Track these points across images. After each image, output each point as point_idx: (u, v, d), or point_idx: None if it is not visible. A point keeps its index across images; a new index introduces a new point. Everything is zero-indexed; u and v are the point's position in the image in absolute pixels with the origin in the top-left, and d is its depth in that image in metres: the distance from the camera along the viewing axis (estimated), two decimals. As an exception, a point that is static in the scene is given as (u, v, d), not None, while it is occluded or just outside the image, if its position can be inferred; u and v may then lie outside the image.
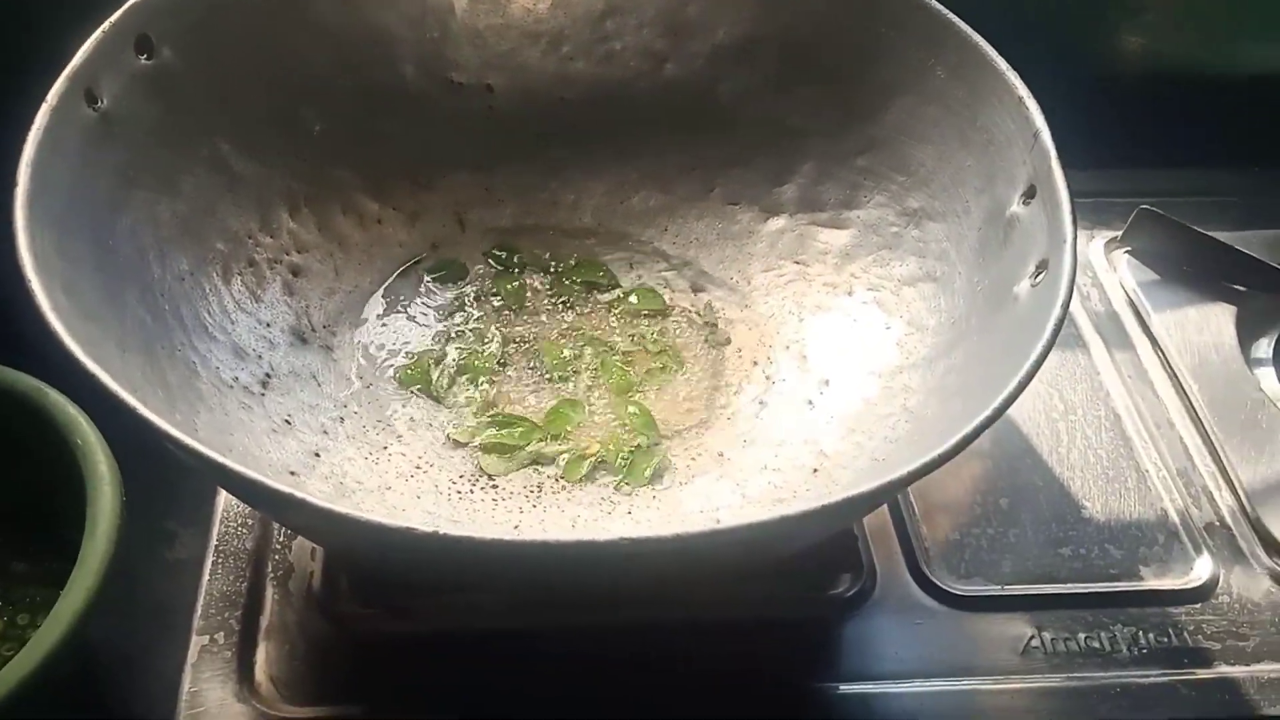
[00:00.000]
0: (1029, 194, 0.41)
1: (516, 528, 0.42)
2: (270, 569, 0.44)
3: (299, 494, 0.28)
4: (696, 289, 0.52)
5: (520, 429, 0.46)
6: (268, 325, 0.46)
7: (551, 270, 0.53)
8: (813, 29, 0.50)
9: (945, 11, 0.46)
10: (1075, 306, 0.57)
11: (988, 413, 0.32)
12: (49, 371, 0.41)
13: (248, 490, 0.31)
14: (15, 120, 0.37)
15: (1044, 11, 0.63)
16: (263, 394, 0.43)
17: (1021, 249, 0.41)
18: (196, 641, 0.41)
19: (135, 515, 0.39)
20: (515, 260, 0.53)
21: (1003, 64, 0.44)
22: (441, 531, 0.27)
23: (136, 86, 0.42)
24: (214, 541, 0.44)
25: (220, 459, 0.29)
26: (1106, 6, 0.64)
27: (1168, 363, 0.54)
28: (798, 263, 0.52)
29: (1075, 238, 0.37)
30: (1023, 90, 0.42)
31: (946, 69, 0.46)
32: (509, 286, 0.52)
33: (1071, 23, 0.65)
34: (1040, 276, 0.38)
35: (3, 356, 0.44)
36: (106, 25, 0.41)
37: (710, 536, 0.29)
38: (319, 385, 0.46)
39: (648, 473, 0.44)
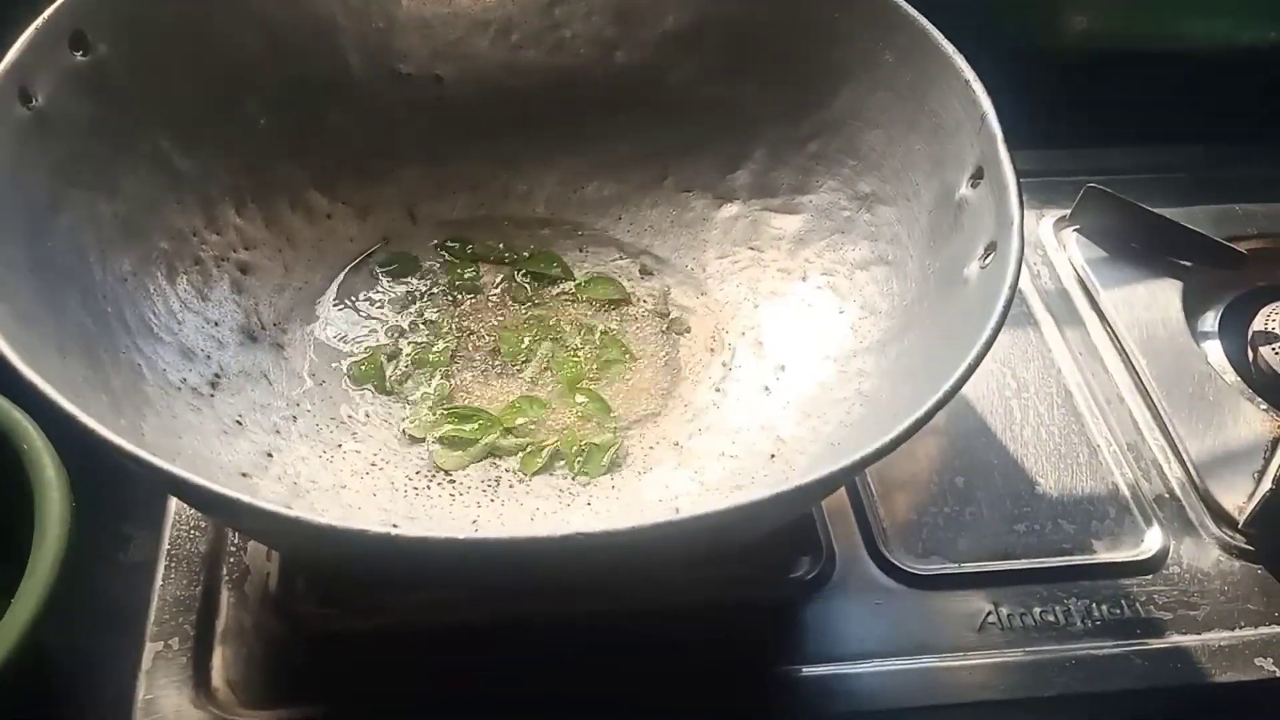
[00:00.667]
0: (977, 176, 0.42)
1: (474, 523, 0.41)
2: (225, 571, 0.43)
3: (247, 499, 0.28)
4: (652, 277, 0.52)
5: (477, 423, 0.45)
6: (216, 324, 0.45)
7: (506, 261, 0.52)
8: (762, 14, 0.50)
9: (892, -5, 0.46)
10: (1025, 284, 0.57)
11: (938, 396, 0.32)
12: None
13: (196, 496, 0.31)
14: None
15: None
16: (212, 395, 0.43)
17: (970, 231, 0.41)
18: (151, 648, 0.41)
19: (87, 518, 0.39)
20: (469, 252, 0.52)
21: (949, 48, 0.44)
22: (395, 533, 0.27)
23: (72, 84, 0.41)
24: (166, 545, 0.44)
25: (164, 465, 0.29)
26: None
27: (1116, 339, 0.55)
28: (752, 248, 0.52)
29: (1022, 219, 0.37)
30: (969, 74, 0.43)
31: (895, 53, 0.46)
32: (463, 279, 0.51)
33: (1015, 3, 0.65)
34: (989, 259, 0.39)
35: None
36: (40, 21, 0.40)
37: (666, 528, 0.29)
38: (270, 384, 0.45)
39: (604, 462, 0.44)
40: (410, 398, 0.46)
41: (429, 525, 0.40)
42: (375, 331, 0.49)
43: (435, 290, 0.51)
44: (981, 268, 0.39)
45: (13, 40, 0.39)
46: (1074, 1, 0.65)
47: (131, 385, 0.39)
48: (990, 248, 0.39)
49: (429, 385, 0.47)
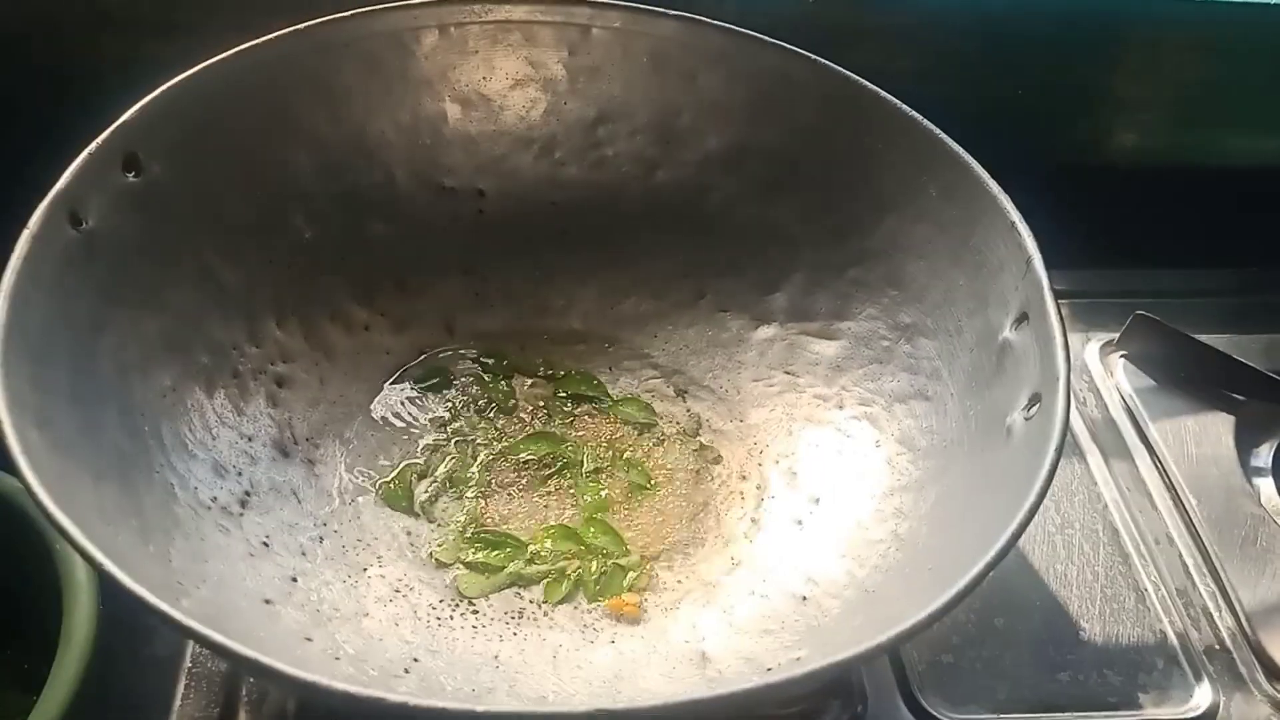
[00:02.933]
0: (1021, 320, 0.41)
1: (496, 658, 0.40)
2: (244, 693, 0.43)
3: (280, 666, 0.27)
4: (686, 398, 0.52)
5: (504, 550, 0.45)
6: (249, 439, 0.45)
7: (542, 376, 0.52)
8: (803, 141, 0.50)
9: (935, 130, 0.46)
10: (1071, 411, 0.56)
11: (976, 571, 0.31)
12: None
13: (247, 667, 0.30)
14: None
15: (1037, 111, 0.64)
16: (241, 514, 0.42)
17: (1014, 377, 0.40)
18: (167, 771, 0.40)
19: (112, 609, 0.39)
20: (504, 367, 0.52)
21: (995, 188, 0.44)
22: (411, 703, 0.26)
23: (122, 203, 0.42)
24: (187, 664, 0.43)
25: (217, 638, 0.29)
26: (1097, 105, 0.64)
27: (1166, 474, 0.53)
28: (788, 373, 0.51)
29: (1069, 375, 0.37)
30: (1015, 215, 0.42)
31: (939, 188, 0.46)
32: (497, 396, 0.51)
33: (1063, 121, 0.65)
34: (1033, 410, 0.38)
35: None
36: (94, 146, 0.41)
37: (693, 706, 0.28)
38: (299, 502, 0.45)
39: (625, 584, 0.43)
40: (439, 520, 0.46)
41: (450, 661, 0.39)
42: (407, 448, 0.49)
43: (469, 407, 0.51)
44: (1025, 419, 0.38)
45: (67, 163, 0.40)
46: (1122, 119, 0.65)
47: (163, 506, 0.39)
48: (1034, 399, 0.38)
49: (459, 508, 0.46)
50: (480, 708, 0.26)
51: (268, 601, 0.39)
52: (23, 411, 0.33)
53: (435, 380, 0.51)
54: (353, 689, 0.27)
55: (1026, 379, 0.39)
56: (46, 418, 0.35)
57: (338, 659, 0.38)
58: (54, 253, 0.38)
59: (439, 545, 0.45)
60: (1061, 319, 0.39)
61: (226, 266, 0.47)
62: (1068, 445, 0.53)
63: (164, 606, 0.29)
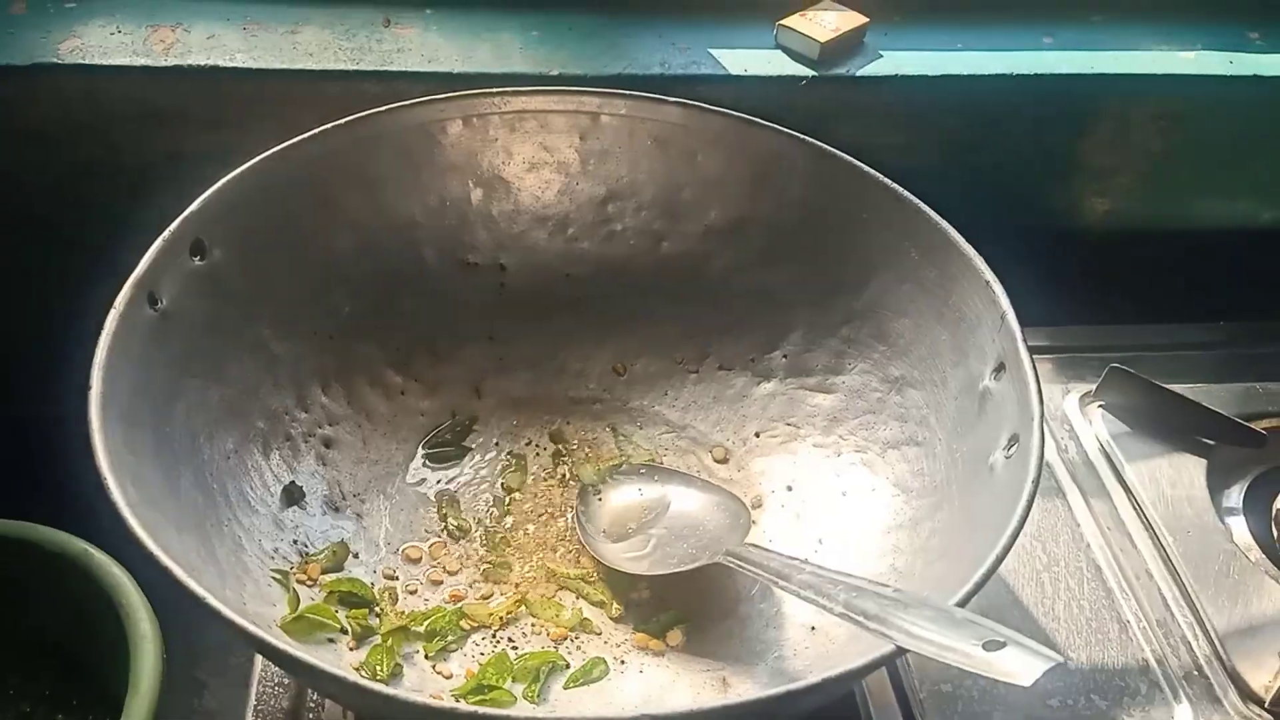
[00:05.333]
0: (999, 369, 0.45)
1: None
2: (305, 732, 0.46)
3: (373, 685, 0.31)
4: (696, 451, 0.56)
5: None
6: (303, 497, 0.50)
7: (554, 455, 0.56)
8: (796, 212, 0.55)
9: (916, 200, 0.51)
10: (1053, 457, 0.59)
11: (966, 588, 0.35)
12: (87, 525, 0.43)
13: (321, 683, 0.33)
14: (77, 326, 0.41)
15: (1016, 179, 0.68)
16: (304, 562, 0.46)
17: (995, 420, 0.44)
18: (235, 808, 0.43)
19: (167, 665, 0.42)
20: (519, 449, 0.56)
21: (970, 250, 0.48)
22: (482, 712, 0.30)
23: (191, 286, 0.46)
24: (253, 702, 0.46)
25: (303, 656, 0.32)
26: (1072, 173, 0.69)
27: (1143, 514, 0.57)
28: (789, 424, 0.56)
29: (1042, 415, 0.41)
30: (989, 275, 0.47)
31: (920, 251, 0.50)
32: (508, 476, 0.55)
33: (1042, 188, 0.70)
34: (1012, 449, 0.42)
35: (45, 515, 0.47)
36: (167, 233, 0.45)
37: (718, 713, 0.31)
38: (351, 553, 0.49)
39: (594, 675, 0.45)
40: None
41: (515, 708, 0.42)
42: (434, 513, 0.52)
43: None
44: (1006, 458, 0.42)
45: (142, 251, 0.44)
46: (1096, 185, 0.69)
47: (233, 556, 0.43)
48: (1013, 439, 0.42)
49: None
50: (542, 714, 0.30)
51: (330, 640, 0.43)
52: (121, 471, 0.37)
53: (450, 456, 0.55)
54: (433, 702, 0.30)
55: (1006, 421, 0.43)
56: (138, 476, 0.39)
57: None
58: (136, 328, 0.43)
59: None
60: (1034, 366, 0.43)
61: (277, 340, 0.51)
62: (1052, 489, 0.58)
63: (260, 633, 0.33)
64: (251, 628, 0.33)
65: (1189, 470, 0.58)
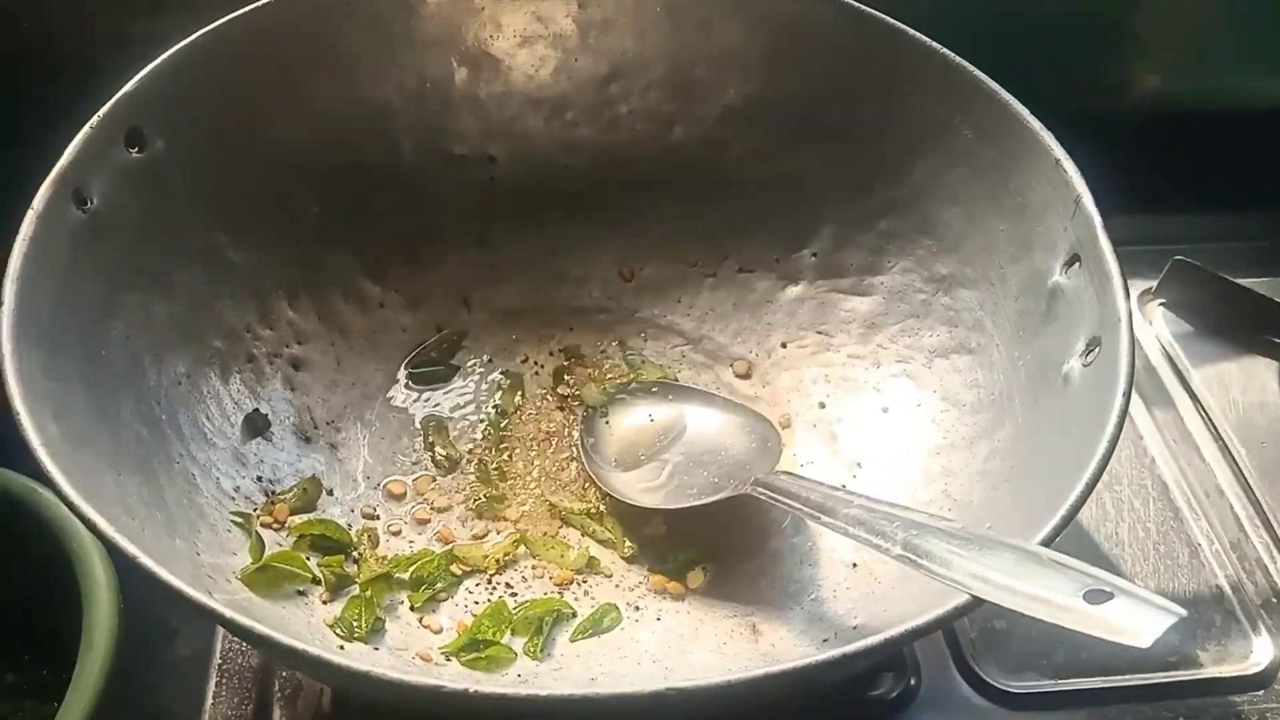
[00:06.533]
0: (1072, 262, 0.39)
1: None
2: (277, 688, 0.41)
3: (331, 657, 0.26)
4: (715, 365, 0.50)
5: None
6: (269, 425, 0.44)
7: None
8: (826, 87, 0.48)
9: (969, 67, 0.44)
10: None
11: (1054, 522, 0.30)
12: (33, 462, 0.39)
13: (281, 655, 0.29)
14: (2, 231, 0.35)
15: (1064, 53, 0.61)
16: (267, 503, 0.41)
17: (1068, 322, 0.39)
18: (203, 771, 0.39)
19: (133, 612, 0.37)
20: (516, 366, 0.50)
21: (1035, 123, 0.42)
22: (473, 690, 0.25)
23: (127, 182, 0.40)
24: (217, 660, 0.42)
25: (258, 627, 0.27)
26: (1127, 45, 0.63)
27: (1212, 424, 0.52)
28: (820, 332, 0.50)
29: (1130, 314, 0.35)
30: (1059, 152, 0.41)
31: (973, 129, 0.44)
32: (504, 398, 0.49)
33: (1092, 63, 0.63)
34: (1092, 355, 0.36)
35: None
36: (95, 120, 0.39)
37: (758, 682, 0.26)
38: (324, 489, 0.43)
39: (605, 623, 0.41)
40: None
41: (502, 684, 0.37)
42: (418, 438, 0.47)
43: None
44: (1084, 365, 0.37)
45: (67, 141, 0.38)
46: (1147, 57, 0.63)
47: (186, 497, 0.38)
48: (1093, 343, 0.36)
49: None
50: (544, 692, 0.25)
51: (300, 593, 0.38)
52: (39, 401, 0.32)
53: (437, 377, 0.50)
54: (409, 678, 0.25)
55: (1083, 322, 0.37)
56: (63, 408, 0.33)
57: (377, 650, 0.37)
58: (60, 233, 0.37)
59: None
60: (1117, 257, 0.37)
61: (234, 246, 0.45)
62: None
63: (208, 601, 0.27)
64: (185, 588, 0.27)
65: (1260, 374, 0.54)
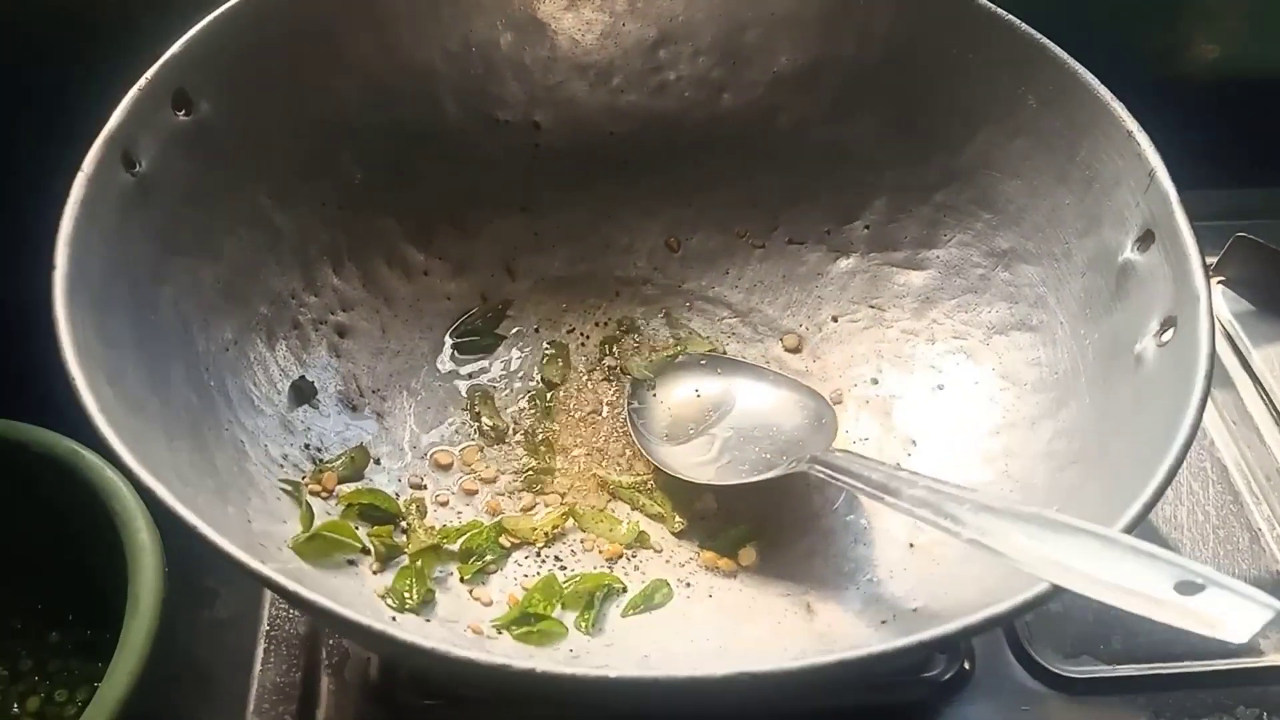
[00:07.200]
0: (1144, 239, 0.38)
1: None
2: (324, 656, 0.41)
3: (393, 631, 0.25)
4: (765, 339, 0.49)
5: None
6: (316, 393, 0.43)
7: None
8: (882, 52, 0.46)
9: (1035, 34, 0.42)
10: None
11: (1135, 509, 0.28)
12: (76, 422, 0.38)
13: (335, 624, 0.28)
14: (51, 193, 0.35)
15: (1124, 19, 0.59)
16: (315, 470, 0.40)
17: (1140, 301, 0.37)
18: (251, 739, 0.39)
19: (173, 573, 0.37)
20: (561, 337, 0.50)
21: (1106, 94, 0.40)
22: (540, 669, 0.24)
23: (175, 145, 0.39)
24: (265, 627, 0.42)
25: (318, 599, 0.27)
26: (1186, 14, 0.60)
27: (1273, 405, 0.50)
28: (873, 306, 0.49)
29: (1210, 293, 0.34)
30: (1132, 124, 0.39)
31: (1039, 97, 0.42)
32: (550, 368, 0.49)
33: (1153, 29, 0.61)
34: (1167, 335, 0.35)
35: (38, 417, 0.42)
36: (142, 82, 0.38)
37: (823, 670, 0.25)
38: (370, 458, 0.43)
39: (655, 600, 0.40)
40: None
41: (566, 664, 0.36)
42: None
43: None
44: (1159, 345, 0.35)
45: (115, 104, 0.37)
46: (1211, 24, 0.61)
47: (235, 464, 0.37)
48: (1168, 323, 0.35)
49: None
50: (612, 674, 0.24)
51: (351, 562, 0.37)
52: (92, 364, 0.31)
53: (482, 346, 0.49)
54: (478, 656, 0.24)
55: (1156, 301, 0.36)
56: (115, 372, 0.33)
57: (428, 621, 0.36)
58: (110, 196, 0.36)
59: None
60: (1194, 234, 0.35)
61: (279, 211, 0.44)
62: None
63: (268, 571, 0.27)
64: (245, 557, 0.27)
65: (1324, 354, 0.52)
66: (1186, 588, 0.26)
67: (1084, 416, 0.38)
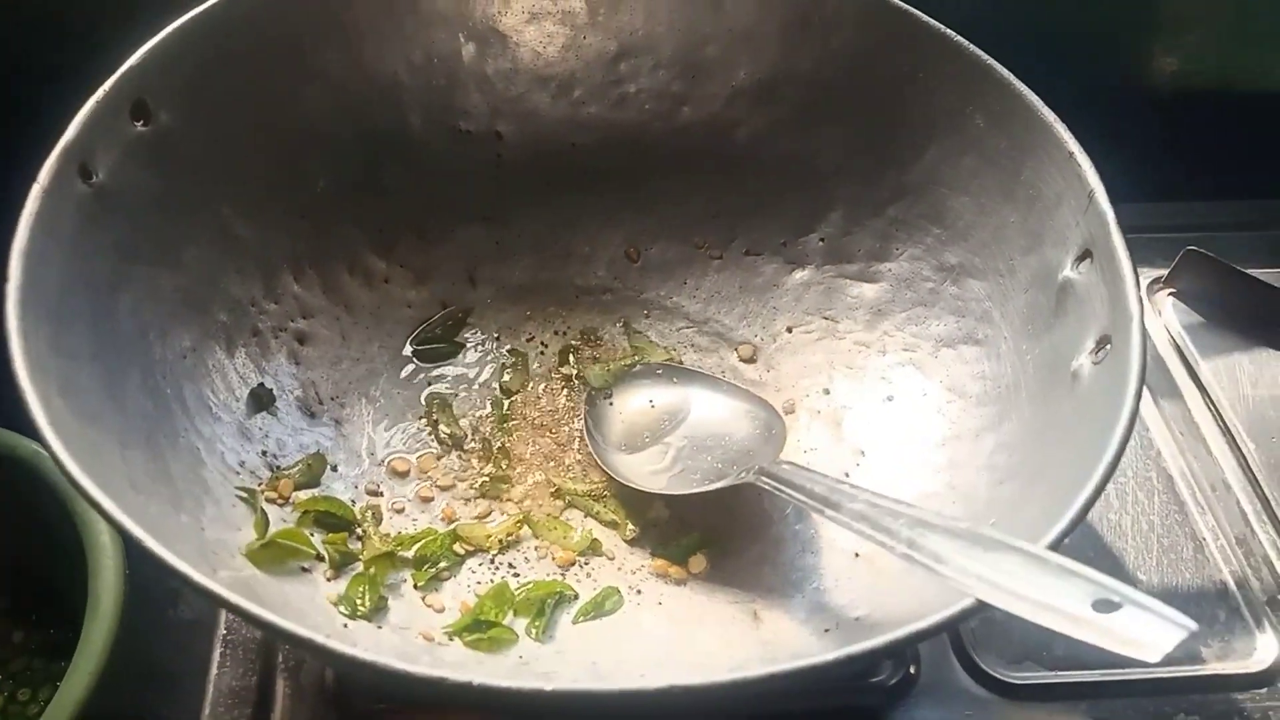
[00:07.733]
0: (1083, 257, 0.39)
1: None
2: (281, 660, 0.42)
3: (340, 647, 0.26)
4: (721, 348, 0.50)
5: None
6: (274, 400, 0.44)
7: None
8: (839, 70, 0.47)
9: (982, 55, 0.43)
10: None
11: (1062, 526, 0.29)
12: None
13: (288, 640, 0.29)
14: (6, 205, 0.35)
15: (1076, 34, 0.60)
16: (271, 478, 0.41)
17: (1078, 318, 0.38)
18: (205, 744, 0.39)
19: (137, 573, 0.38)
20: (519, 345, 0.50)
21: (1050, 115, 0.41)
22: (477, 682, 0.25)
23: (133, 156, 0.39)
24: (221, 631, 0.42)
25: (262, 613, 0.27)
26: (1140, 28, 0.61)
27: (1220, 417, 0.51)
28: (826, 318, 0.49)
29: (1142, 314, 0.35)
30: (1073, 145, 0.40)
31: (986, 117, 0.43)
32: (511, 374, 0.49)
33: (1105, 44, 0.62)
34: (1102, 353, 0.36)
35: (2, 418, 0.42)
36: (100, 94, 0.38)
37: (767, 680, 0.26)
38: (328, 465, 0.43)
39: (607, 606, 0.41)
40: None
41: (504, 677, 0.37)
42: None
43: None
44: (1094, 363, 0.36)
45: (72, 115, 0.37)
46: (1165, 38, 0.62)
47: (191, 472, 0.38)
48: (1103, 341, 0.36)
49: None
50: (548, 686, 0.25)
51: (305, 569, 0.38)
52: (45, 377, 0.31)
53: (442, 354, 0.49)
54: (408, 667, 0.25)
55: (1093, 320, 0.37)
56: (69, 383, 0.33)
57: (380, 628, 0.37)
58: (66, 208, 0.36)
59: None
60: (1130, 255, 0.36)
61: (240, 220, 0.45)
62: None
63: (204, 581, 0.27)
64: (188, 569, 0.27)
65: (1271, 367, 0.53)
66: (1104, 605, 0.27)
67: (1024, 431, 0.39)
